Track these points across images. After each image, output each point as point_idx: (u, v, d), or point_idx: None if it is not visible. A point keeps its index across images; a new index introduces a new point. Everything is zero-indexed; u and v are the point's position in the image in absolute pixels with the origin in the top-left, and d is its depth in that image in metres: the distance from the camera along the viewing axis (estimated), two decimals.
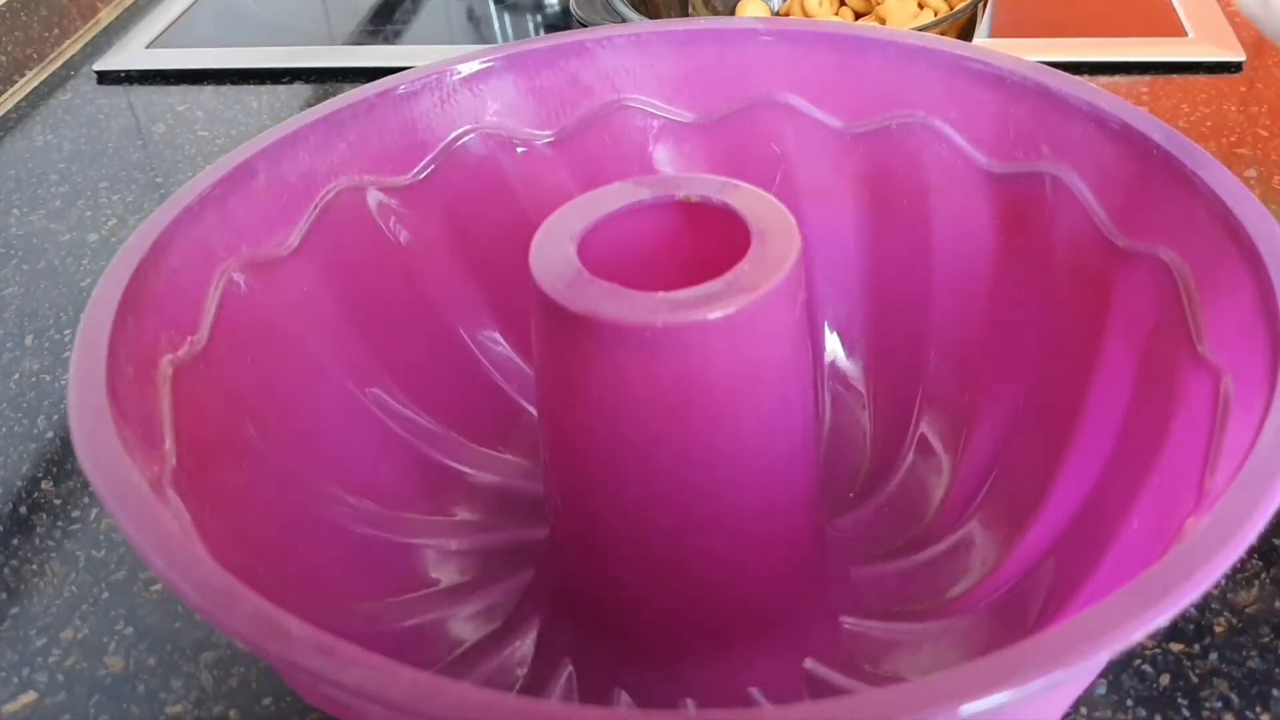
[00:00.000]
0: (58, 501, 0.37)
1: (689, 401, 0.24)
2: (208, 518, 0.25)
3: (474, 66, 0.34)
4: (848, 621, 0.29)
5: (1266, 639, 0.30)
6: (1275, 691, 0.29)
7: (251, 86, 0.59)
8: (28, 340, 0.44)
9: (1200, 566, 0.18)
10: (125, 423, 0.23)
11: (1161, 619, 0.18)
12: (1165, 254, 0.27)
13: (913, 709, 0.17)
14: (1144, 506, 0.25)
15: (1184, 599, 0.18)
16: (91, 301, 0.25)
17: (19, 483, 0.38)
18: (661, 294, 0.23)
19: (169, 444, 0.25)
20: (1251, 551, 0.32)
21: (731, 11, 0.55)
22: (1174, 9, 0.59)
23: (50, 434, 0.39)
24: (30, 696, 0.31)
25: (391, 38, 0.64)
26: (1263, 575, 0.32)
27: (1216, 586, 0.31)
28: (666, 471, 0.25)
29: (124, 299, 0.25)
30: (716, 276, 0.23)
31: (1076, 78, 0.30)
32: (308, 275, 0.32)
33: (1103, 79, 0.55)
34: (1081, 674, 0.17)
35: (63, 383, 0.41)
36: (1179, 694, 0.29)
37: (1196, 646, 0.30)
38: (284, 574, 0.27)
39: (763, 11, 0.55)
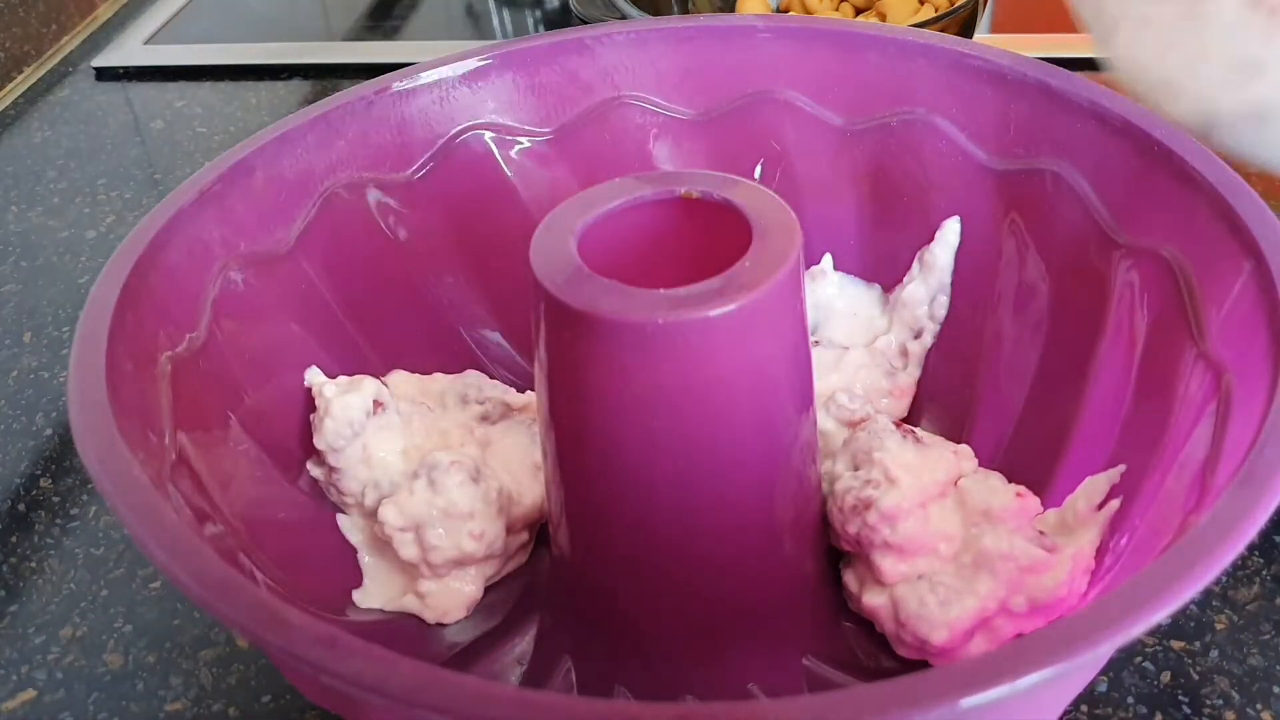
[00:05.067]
0: (56, 499, 0.37)
1: (690, 398, 0.24)
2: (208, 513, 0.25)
3: (473, 64, 0.34)
4: (849, 620, 0.29)
5: (1267, 636, 0.30)
6: (1276, 689, 0.29)
7: (250, 83, 0.59)
8: (26, 337, 0.44)
9: (1200, 562, 0.18)
10: (125, 418, 0.23)
11: (1162, 614, 0.18)
12: (1166, 250, 0.27)
13: (912, 703, 0.17)
14: (1146, 503, 0.25)
15: (1184, 595, 0.18)
16: (90, 298, 0.25)
17: (17, 480, 0.38)
18: (662, 291, 0.23)
19: (168, 439, 0.25)
20: (1251, 548, 0.32)
21: (732, 8, 0.55)
22: None
23: (49, 431, 0.39)
24: (29, 694, 0.31)
25: (390, 34, 0.64)
26: (1263, 572, 0.32)
27: (1217, 583, 0.31)
28: (667, 468, 0.25)
29: (123, 296, 0.25)
30: (717, 273, 0.23)
31: (1077, 74, 0.30)
32: (306, 272, 0.32)
33: (1105, 75, 0.54)
34: (1082, 669, 0.17)
35: (61, 380, 0.41)
36: (1180, 691, 0.29)
37: (1197, 644, 0.30)
38: (284, 569, 0.27)
39: (763, 8, 0.55)
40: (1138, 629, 0.17)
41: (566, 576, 0.29)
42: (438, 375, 0.33)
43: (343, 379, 0.31)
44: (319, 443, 0.30)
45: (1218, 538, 0.18)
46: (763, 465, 0.26)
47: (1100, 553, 0.26)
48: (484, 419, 0.32)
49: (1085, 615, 0.18)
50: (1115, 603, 0.18)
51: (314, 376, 0.31)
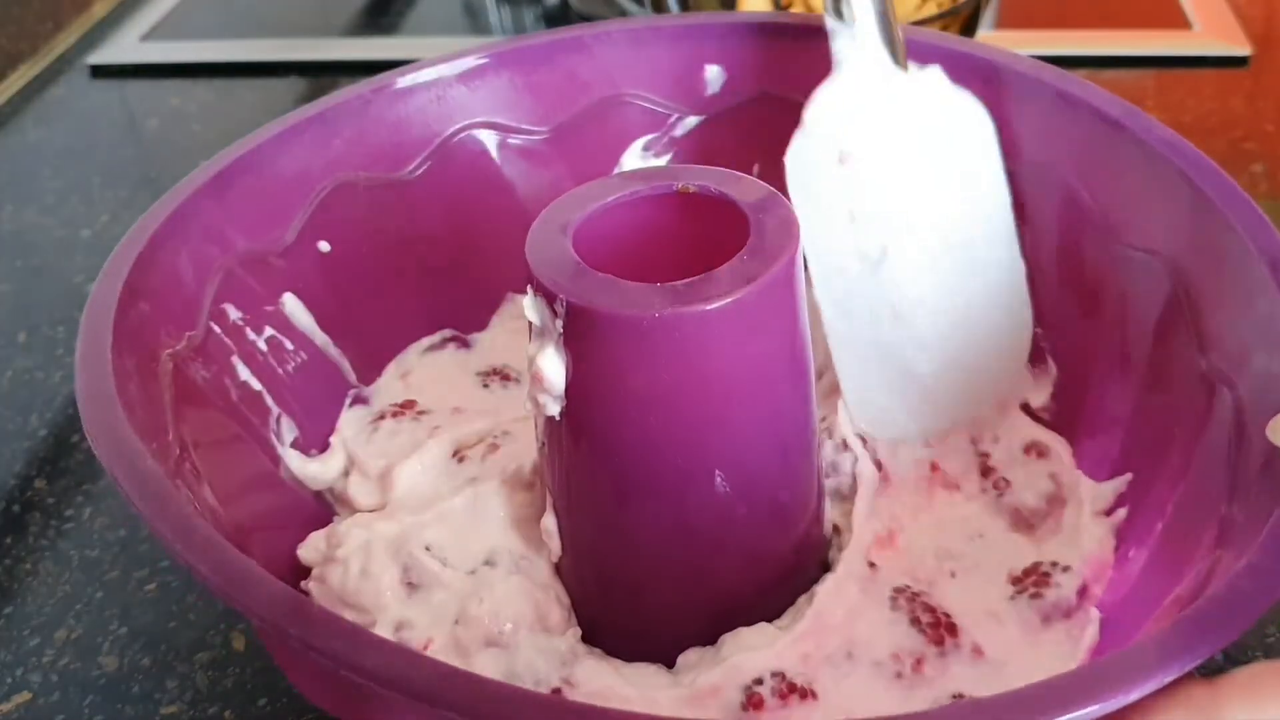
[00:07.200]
0: (51, 500, 0.37)
1: (687, 392, 0.24)
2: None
3: (470, 62, 0.33)
4: None
5: (1273, 639, 0.30)
6: None
7: (247, 80, 0.59)
8: (20, 337, 0.43)
9: (1237, 611, 0.18)
10: (133, 413, 0.23)
11: (1192, 662, 0.17)
12: (1164, 255, 0.27)
13: None
14: (1154, 514, 0.25)
15: (1224, 641, 0.18)
16: (93, 296, 0.25)
17: (12, 481, 0.37)
18: (659, 285, 0.23)
19: (171, 435, 0.25)
20: None
21: (733, 6, 0.55)
22: (1179, 2, 0.59)
23: (43, 432, 0.39)
24: (24, 696, 0.31)
25: (388, 30, 0.63)
26: None
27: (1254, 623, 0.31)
28: (666, 463, 0.24)
29: (123, 295, 0.25)
30: (715, 267, 0.23)
31: (1077, 77, 0.30)
32: (303, 271, 0.31)
33: (1108, 74, 0.54)
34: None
35: (56, 380, 0.41)
36: None
37: None
38: (281, 570, 0.27)
39: (764, 6, 0.54)
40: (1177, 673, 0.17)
41: (567, 575, 0.28)
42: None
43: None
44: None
45: (1258, 591, 0.18)
46: (762, 457, 0.25)
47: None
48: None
49: (1129, 656, 0.17)
50: (1158, 646, 0.18)
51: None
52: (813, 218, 0.28)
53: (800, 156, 0.28)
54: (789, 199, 0.25)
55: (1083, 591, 0.26)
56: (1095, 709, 0.17)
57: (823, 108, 0.29)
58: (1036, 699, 0.17)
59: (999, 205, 0.30)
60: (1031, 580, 0.27)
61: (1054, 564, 0.27)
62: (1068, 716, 0.17)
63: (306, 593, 0.28)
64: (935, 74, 0.29)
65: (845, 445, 0.29)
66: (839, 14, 0.29)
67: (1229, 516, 0.21)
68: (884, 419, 0.29)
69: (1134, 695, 0.17)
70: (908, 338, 0.29)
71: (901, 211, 0.29)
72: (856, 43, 0.29)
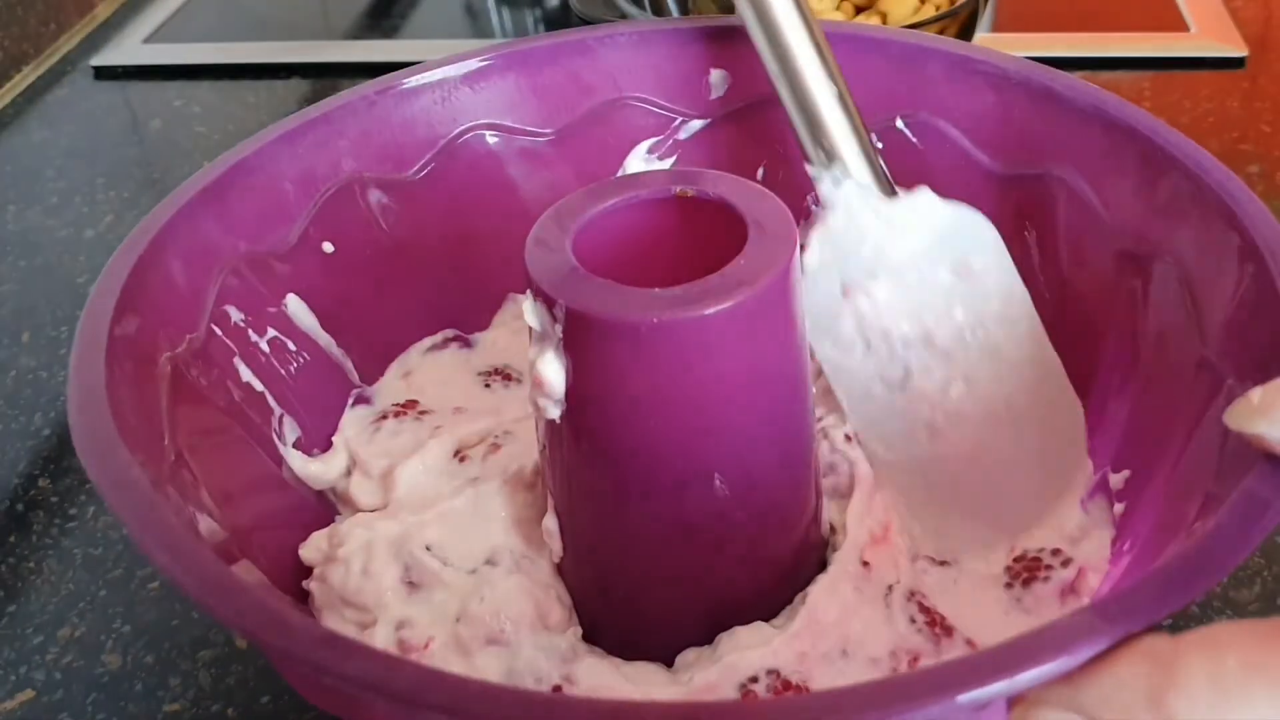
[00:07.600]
0: (55, 499, 0.37)
1: (686, 396, 0.24)
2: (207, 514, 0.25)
3: (475, 64, 0.34)
4: None
5: None
6: None
7: (249, 82, 0.59)
8: (24, 337, 0.44)
9: (1201, 570, 0.18)
10: (125, 419, 0.23)
11: (1156, 617, 0.18)
12: (1170, 256, 0.27)
13: (909, 698, 0.17)
14: (1149, 507, 0.25)
15: (1180, 601, 0.18)
16: (91, 299, 0.25)
17: (16, 480, 0.38)
18: (657, 290, 0.23)
19: (167, 440, 0.25)
20: None
21: (732, 10, 0.55)
22: (1175, 3, 0.59)
23: (47, 431, 0.39)
24: (28, 694, 0.31)
25: (389, 32, 0.64)
26: (1264, 573, 0.31)
27: (1218, 584, 0.31)
28: (666, 466, 0.25)
29: (122, 296, 0.25)
30: (714, 271, 0.23)
31: (1080, 80, 0.30)
32: (307, 272, 0.31)
33: (1105, 75, 0.54)
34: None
35: (59, 380, 0.41)
36: None
37: None
38: (283, 571, 0.27)
39: None
40: (1132, 629, 0.17)
41: (564, 577, 0.29)
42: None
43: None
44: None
45: (1220, 547, 0.18)
46: (760, 462, 0.25)
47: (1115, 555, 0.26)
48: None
49: (1083, 614, 0.18)
50: (1112, 603, 0.18)
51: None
52: (832, 354, 0.28)
53: (807, 300, 0.28)
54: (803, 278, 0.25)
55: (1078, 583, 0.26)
56: (1052, 667, 0.17)
57: (819, 249, 0.29)
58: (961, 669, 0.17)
59: (1018, 304, 0.29)
60: (1024, 569, 0.27)
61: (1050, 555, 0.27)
62: (1007, 679, 0.17)
63: (308, 592, 0.28)
64: (925, 195, 0.29)
65: (846, 439, 0.29)
66: (817, 158, 0.29)
67: (1211, 495, 0.22)
68: (950, 539, 0.28)
69: (1088, 653, 0.17)
70: (950, 453, 0.29)
71: (917, 330, 0.29)
72: (840, 181, 0.29)
